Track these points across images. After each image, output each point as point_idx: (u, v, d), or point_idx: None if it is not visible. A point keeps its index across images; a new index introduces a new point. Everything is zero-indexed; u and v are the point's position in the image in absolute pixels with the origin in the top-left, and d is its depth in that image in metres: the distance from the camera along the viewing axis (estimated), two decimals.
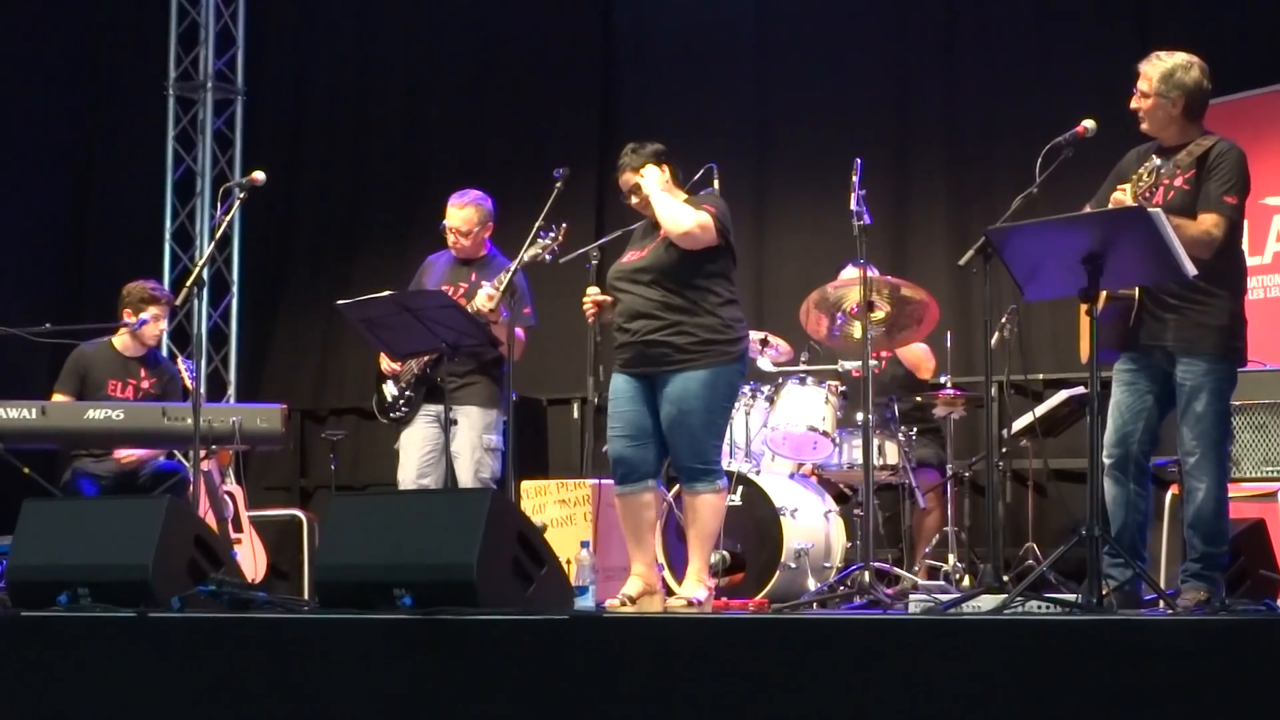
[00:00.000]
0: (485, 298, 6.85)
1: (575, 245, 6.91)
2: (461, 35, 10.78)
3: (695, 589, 6.22)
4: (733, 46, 10.06)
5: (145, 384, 8.13)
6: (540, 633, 4.56)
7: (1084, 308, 5.24)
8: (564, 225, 6.72)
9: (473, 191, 7.33)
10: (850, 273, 7.92)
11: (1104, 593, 5.00)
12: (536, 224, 6.69)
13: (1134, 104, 5.62)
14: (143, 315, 8.00)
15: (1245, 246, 7.68)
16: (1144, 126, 5.65)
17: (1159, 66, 5.58)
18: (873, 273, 7.38)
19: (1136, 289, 5.48)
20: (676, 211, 6.20)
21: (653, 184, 6.27)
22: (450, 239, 7.29)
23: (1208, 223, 5.42)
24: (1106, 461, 5.57)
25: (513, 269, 6.76)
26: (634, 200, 6.39)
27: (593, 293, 6.38)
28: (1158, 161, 5.42)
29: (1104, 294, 5.36)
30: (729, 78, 10.02)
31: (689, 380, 6.16)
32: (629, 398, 6.27)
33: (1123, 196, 5.41)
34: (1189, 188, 5.48)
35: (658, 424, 6.23)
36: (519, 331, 6.88)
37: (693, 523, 6.28)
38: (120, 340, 8.14)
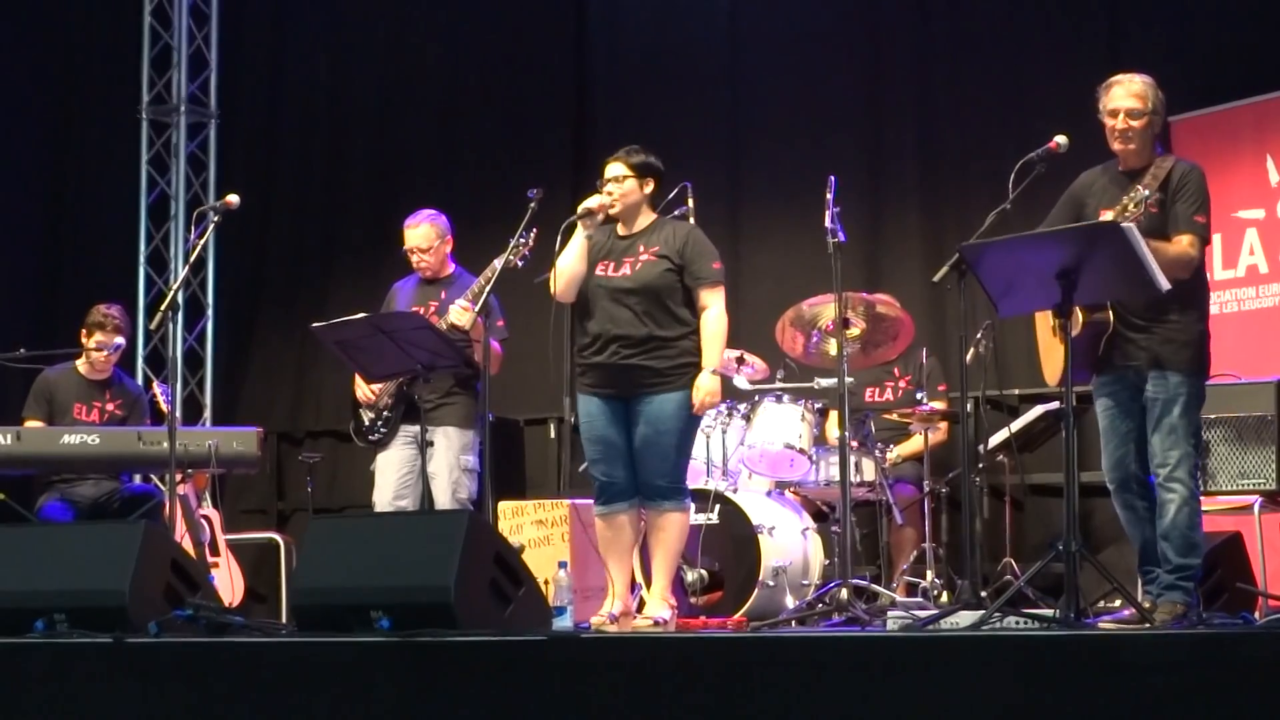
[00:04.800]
0: (460, 310, 6.88)
1: (549, 264, 6.91)
2: (435, 58, 10.77)
3: (660, 608, 6.24)
4: (706, 65, 10.05)
5: (110, 406, 8.13)
6: (518, 654, 4.55)
7: (1051, 325, 5.23)
8: (535, 230, 6.71)
9: (424, 210, 7.43)
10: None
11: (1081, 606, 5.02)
12: (515, 237, 6.69)
13: (1121, 125, 5.56)
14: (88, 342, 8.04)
15: (1219, 260, 7.78)
16: (1130, 147, 5.61)
17: (1141, 86, 5.58)
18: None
19: (1110, 314, 5.49)
20: (723, 339, 6.26)
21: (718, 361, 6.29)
22: (414, 260, 7.33)
23: (1184, 243, 5.45)
24: (1110, 488, 5.64)
25: (487, 279, 6.77)
26: (609, 189, 6.35)
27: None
28: (1145, 192, 5.35)
29: (1080, 318, 5.38)
30: (703, 96, 10.02)
31: (666, 401, 6.17)
32: (606, 420, 6.26)
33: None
34: (1157, 210, 5.49)
35: (631, 444, 6.23)
36: (495, 345, 6.87)
37: (660, 542, 6.28)
38: (84, 364, 8.14)
